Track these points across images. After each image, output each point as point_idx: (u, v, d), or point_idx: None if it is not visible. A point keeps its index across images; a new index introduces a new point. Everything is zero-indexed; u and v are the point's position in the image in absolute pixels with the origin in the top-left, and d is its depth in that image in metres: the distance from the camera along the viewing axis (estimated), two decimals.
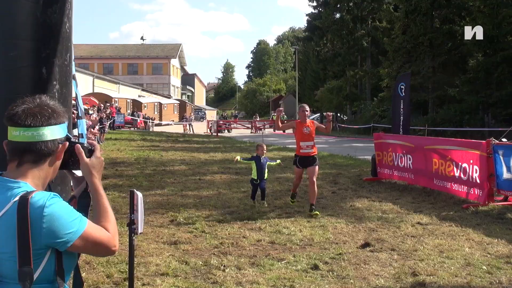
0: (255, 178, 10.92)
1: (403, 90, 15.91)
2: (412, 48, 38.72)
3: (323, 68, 57.97)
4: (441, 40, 38.08)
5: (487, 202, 10.64)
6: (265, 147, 11.24)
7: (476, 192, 10.95)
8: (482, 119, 33.84)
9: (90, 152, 2.43)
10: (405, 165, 13.51)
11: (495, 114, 33.33)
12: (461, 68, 37.07)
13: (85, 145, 2.44)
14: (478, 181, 10.91)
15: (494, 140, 10.93)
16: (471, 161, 11.17)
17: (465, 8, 37.45)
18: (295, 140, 10.57)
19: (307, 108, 10.45)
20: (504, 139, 11.44)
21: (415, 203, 11.39)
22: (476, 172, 11.03)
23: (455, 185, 11.60)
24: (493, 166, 10.65)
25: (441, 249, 7.59)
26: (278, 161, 11.85)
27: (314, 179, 10.09)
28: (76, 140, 2.46)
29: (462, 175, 11.40)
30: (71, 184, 2.53)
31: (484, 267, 6.70)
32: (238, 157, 11.60)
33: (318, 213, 9.83)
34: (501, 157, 10.45)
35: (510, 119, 29.42)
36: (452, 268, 6.70)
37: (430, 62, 38.26)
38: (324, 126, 10.60)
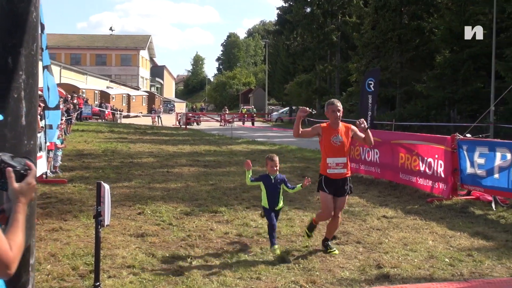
0: (267, 206, 7.36)
1: (371, 86, 16.10)
2: (381, 44, 39.10)
3: (293, 62, 58.19)
4: (409, 36, 38.54)
5: (451, 196, 10.85)
6: (277, 161, 7.41)
7: (440, 186, 11.15)
8: (448, 114, 34.39)
9: (21, 177, 2.38)
10: (372, 159, 13.68)
11: (460, 110, 33.91)
12: (428, 64, 37.60)
13: (19, 168, 2.39)
14: (442, 175, 11.11)
15: (458, 136, 11.14)
16: (436, 156, 11.37)
17: (433, 5, 37.99)
18: (319, 152, 8.27)
19: (339, 105, 7.14)
20: (468, 135, 11.67)
21: (381, 196, 11.55)
22: (441, 167, 11.23)
23: (420, 179, 11.79)
24: (457, 161, 10.85)
25: (405, 242, 7.72)
26: (300, 185, 7.52)
27: (340, 214, 7.24)
28: (15, 160, 2.39)
29: (427, 170, 11.59)
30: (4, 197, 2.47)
31: (446, 260, 6.85)
32: (250, 170, 7.43)
33: (337, 252, 7.13)
34: (465, 152, 10.66)
35: (475, 115, 29.96)
36: (416, 260, 6.83)
37: (398, 57, 38.70)
38: (363, 136, 7.10)
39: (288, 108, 64.19)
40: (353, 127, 7.14)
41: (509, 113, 30.01)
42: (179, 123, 47.61)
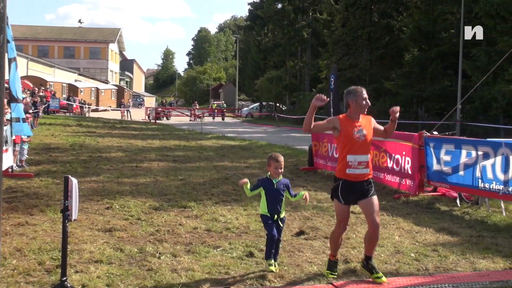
0: (266, 213, 6.26)
1: (332, 83, 16.30)
2: (351, 41, 39.41)
3: (263, 57, 58.27)
4: (379, 34, 38.94)
5: (417, 193, 11.02)
6: (282, 162, 6.30)
7: (407, 183, 11.31)
8: (416, 112, 34.89)
9: None
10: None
11: (428, 107, 34.43)
12: (397, 62, 38.04)
13: None
14: (409, 172, 11.27)
15: (425, 133, 11.32)
16: (404, 153, 11.53)
17: (402, 3, 38.45)
18: (335, 152, 7.48)
19: (365, 93, 6.04)
20: (435, 132, 11.88)
21: None
22: (408, 164, 11.39)
23: (388, 175, 11.95)
24: (424, 158, 11.03)
25: None
26: (303, 192, 6.51)
27: (378, 219, 5.96)
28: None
29: (395, 166, 11.75)
30: None
31: (412, 255, 6.96)
32: (247, 183, 6.36)
33: (384, 279, 5.90)
34: (432, 149, 10.83)
35: (442, 113, 30.42)
36: (382, 255, 6.93)
37: (368, 55, 39.06)
38: (382, 129, 6.22)
39: (258, 103, 64.25)
40: (373, 118, 6.14)
41: (475, 111, 30.57)
42: (148, 117, 47.28)
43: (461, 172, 10.04)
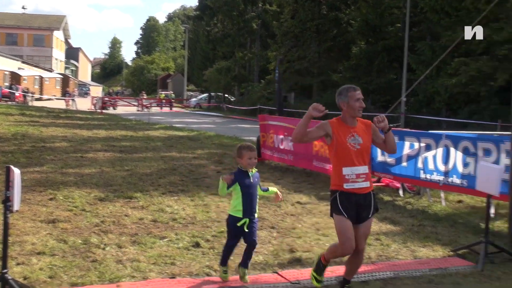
0: (239, 215, 5.37)
1: (277, 75, 16.47)
2: (300, 33, 39.73)
3: (212, 48, 58.03)
4: (327, 27, 39.39)
5: None
6: (254, 152, 5.49)
7: None
8: None
9: None
10: (286, 147, 13.89)
11: (374, 100, 35.11)
12: (345, 54, 38.60)
13: None
14: None
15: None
16: None
17: None
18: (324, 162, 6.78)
19: (358, 93, 5.19)
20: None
21: (296, 183, 11.80)
22: None
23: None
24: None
25: (317, 227, 7.95)
26: (275, 189, 5.84)
27: (365, 244, 5.30)
28: None
29: None
30: None
31: None
32: (221, 180, 5.42)
33: None
34: None
35: (388, 106, 31.06)
36: (327, 244, 7.01)
37: (316, 47, 39.46)
38: (383, 138, 5.28)
39: (207, 94, 64.02)
40: (373, 124, 5.23)
41: (419, 104, 31.38)
42: (94, 107, 46.41)
43: (404, 163, 10.30)
